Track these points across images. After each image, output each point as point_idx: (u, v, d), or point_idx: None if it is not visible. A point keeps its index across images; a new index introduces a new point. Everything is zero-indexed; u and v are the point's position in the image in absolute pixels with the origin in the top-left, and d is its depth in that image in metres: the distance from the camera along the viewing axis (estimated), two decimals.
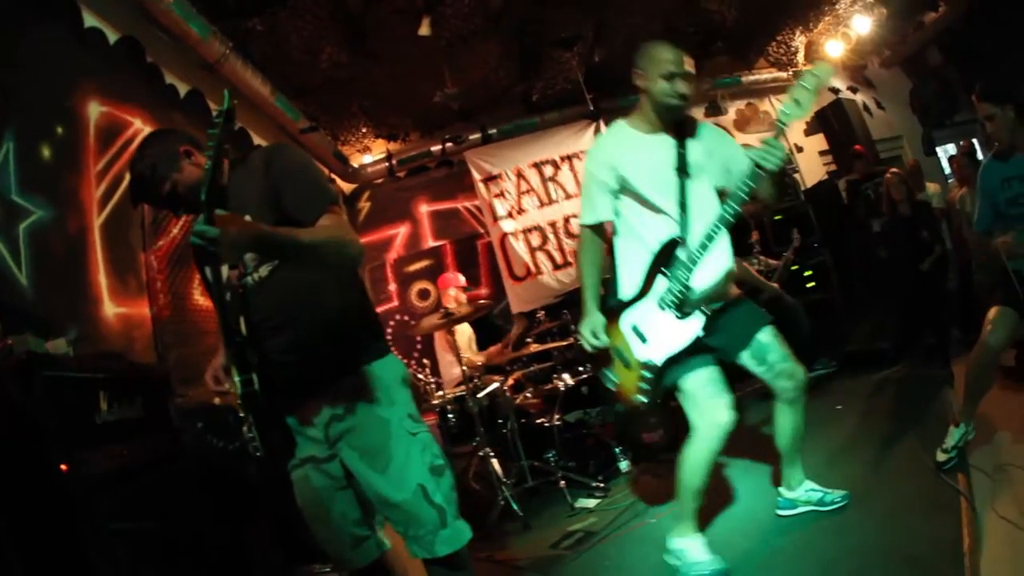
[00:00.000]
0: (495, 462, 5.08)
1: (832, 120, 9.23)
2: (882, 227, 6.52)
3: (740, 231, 6.20)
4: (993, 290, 3.47)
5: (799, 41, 9.04)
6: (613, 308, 3.25)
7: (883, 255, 6.32)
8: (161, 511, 2.82)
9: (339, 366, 2.37)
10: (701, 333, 3.03)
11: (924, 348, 6.24)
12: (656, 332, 3.10)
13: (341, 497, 2.46)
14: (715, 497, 4.00)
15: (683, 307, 3.03)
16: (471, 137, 7.97)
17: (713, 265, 3.03)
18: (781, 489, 3.62)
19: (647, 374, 3.13)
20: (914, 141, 11.03)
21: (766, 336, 3.24)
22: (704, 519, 3.62)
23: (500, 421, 5.48)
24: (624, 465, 5.32)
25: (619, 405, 3.28)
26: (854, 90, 10.60)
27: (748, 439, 4.53)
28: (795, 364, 3.26)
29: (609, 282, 3.34)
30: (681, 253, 3.02)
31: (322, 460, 2.42)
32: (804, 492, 3.55)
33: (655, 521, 4.13)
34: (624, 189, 3.14)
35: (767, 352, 3.22)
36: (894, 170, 6.27)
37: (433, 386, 5.89)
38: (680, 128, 3.15)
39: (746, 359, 3.25)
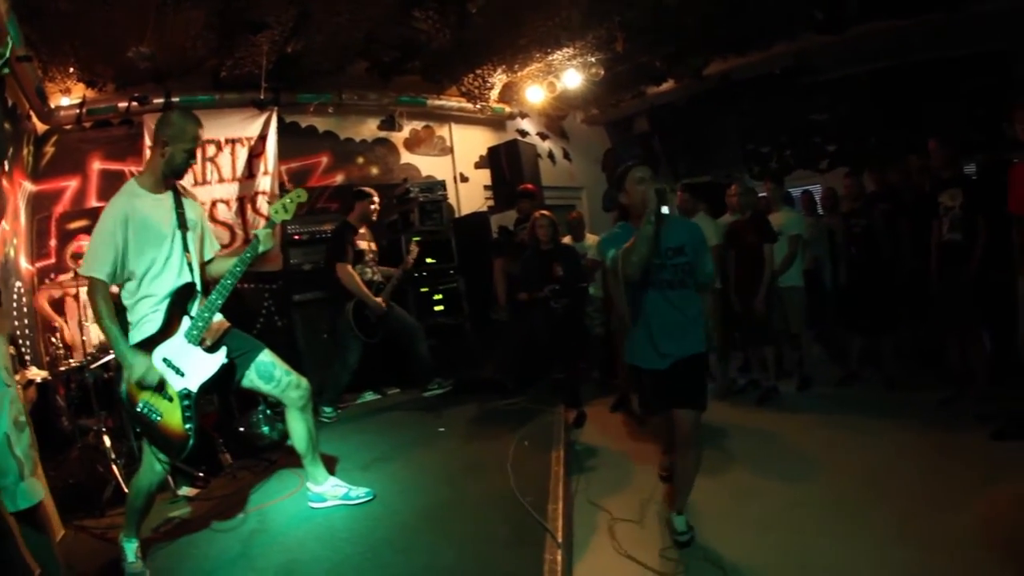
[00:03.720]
0: (106, 439, 4.94)
1: (503, 159, 9.24)
2: (522, 263, 6.69)
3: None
4: None
5: (498, 79, 9.22)
6: (140, 346, 3.45)
7: (522, 297, 6.48)
8: None
9: None
10: (225, 361, 3.55)
11: (549, 384, 6.50)
12: (190, 364, 3.46)
13: None
14: (299, 501, 4.23)
15: (206, 341, 3.54)
16: (155, 100, 7.55)
17: (216, 304, 3.56)
18: (308, 484, 4.17)
19: (188, 403, 3.43)
20: (596, 196, 11.76)
21: (266, 356, 3.83)
22: (282, 519, 4.07)
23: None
24: (225, 458, 5.36)
25: (168, 441, 3.44)
26: (544, 136, 11.13)
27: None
28: (298, 376, 3.92)
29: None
30: (195, 294, 3.57)
31: None
32: (330, 487, 4.16)
33: (242, 516, 4.22)
34: (137, 241, 3.44)
35: (272, 370, 3.82)
36: (544, 212, 6.48)
37: (62, 352, 5.63)
38: (174, 190, 3.68)
39: (254, 380, 3.79)
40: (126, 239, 3.39)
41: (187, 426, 3.38)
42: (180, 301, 3.53)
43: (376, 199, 6.80)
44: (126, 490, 4.55)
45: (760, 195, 7.51)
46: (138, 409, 3.37)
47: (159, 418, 3.37)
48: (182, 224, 3.60)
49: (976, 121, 7.79)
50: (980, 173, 6.45)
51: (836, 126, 10.29)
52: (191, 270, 3.59)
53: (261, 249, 3.70)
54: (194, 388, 3.44)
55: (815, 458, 4.96)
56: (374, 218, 6.87)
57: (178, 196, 3.67)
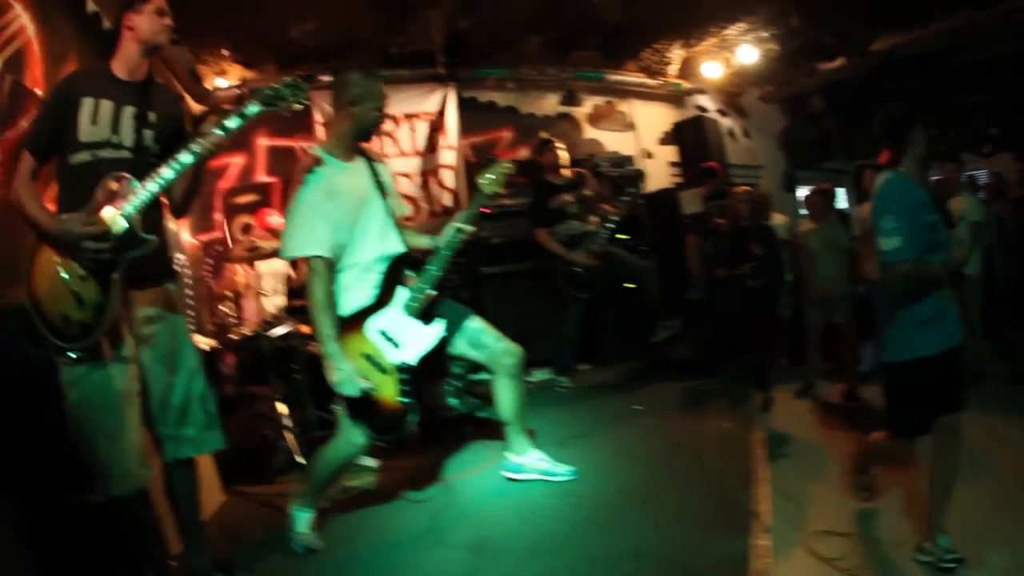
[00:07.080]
0: (282, 407, 4.93)
1: (688, 135, 9.24)
2: (715, 243, 6.60)
3: None
4: None
5: (676, 54, 9.03)
6: (352, 318, 3.40)
7: (720, 274, 6.32)
8: None
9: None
10: (445, 333, 3.50)
11: (742, 365, 6.28)
12: (407, 336, 3.43)
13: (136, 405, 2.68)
14: (491, 475, 4.14)
15: (423, 312, 3.47)
16: (322, 78, 7.58)
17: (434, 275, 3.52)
18: (508, 453, 3.97)
19: (405, 376, 3.39)
20: (775, 175, 11.28)
21: (475, 323, 3.70)
22: (474, 493, 3.99)
23: (294, 367, 5.20)
24: (413, 428, 5.24)
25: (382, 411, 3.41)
26: (723, 113, 10.71)
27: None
28: (510, 343, 3.74)
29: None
30: (406, 264, 3.54)
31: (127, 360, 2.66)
32: (533, 460, 3.93)
33: (429, 489, 4.13)
34: (339, 212, 3.31)
35: (481, 336, 3.68)
36: (745, 187, 6.32)
37: (234, 321, 5.62)
38: (365, 155, 3.57)
39: (463, 347, 3.68)
40: (330, 211, 3.30)
41: (404, 400, 3.36)
42: (394, 271, 3.48)
43: (556, 146, 6.60)
44: (299, 459, 4.65)
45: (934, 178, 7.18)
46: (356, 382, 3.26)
47: (372, 392, 3.29)
48: (380, 189, 3.53)
49: None
50: None
51: (998, 108, 9.53)
52: (396, 237, 3.53)
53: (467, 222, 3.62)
54: (412, 360, 3.41)
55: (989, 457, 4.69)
56: (560, 163, 6.57)
57: (371, 161, 3.59)
